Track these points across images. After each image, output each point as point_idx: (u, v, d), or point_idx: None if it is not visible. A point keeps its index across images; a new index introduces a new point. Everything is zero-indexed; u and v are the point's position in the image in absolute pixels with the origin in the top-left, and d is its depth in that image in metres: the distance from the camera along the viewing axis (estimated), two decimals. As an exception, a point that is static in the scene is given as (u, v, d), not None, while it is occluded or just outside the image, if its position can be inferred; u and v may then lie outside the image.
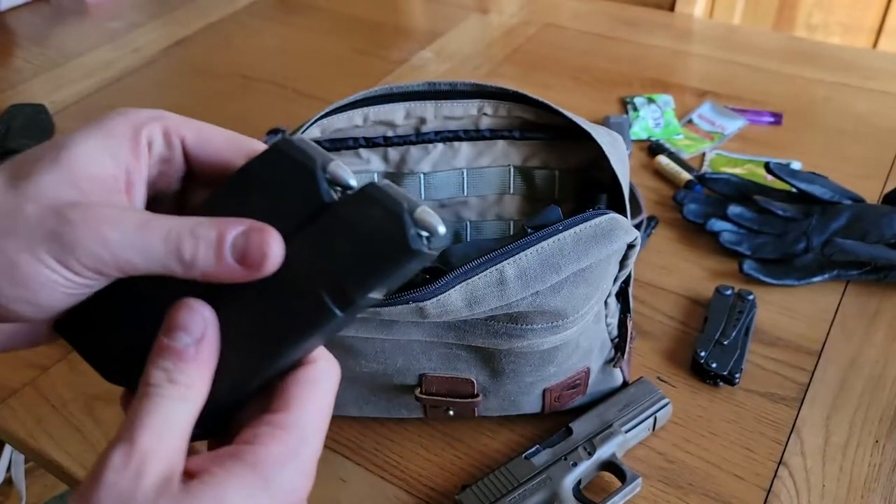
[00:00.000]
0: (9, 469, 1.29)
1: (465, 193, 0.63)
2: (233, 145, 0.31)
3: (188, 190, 0.33)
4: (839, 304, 0.70)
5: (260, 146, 0.31)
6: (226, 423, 0.30)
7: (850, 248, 0.70)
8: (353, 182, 0.29)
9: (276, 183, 0.29)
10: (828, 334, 0.67)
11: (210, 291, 0.28)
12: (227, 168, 0.31)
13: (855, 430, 0.59)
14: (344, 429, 0.61)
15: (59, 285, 0.27)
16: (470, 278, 0.46)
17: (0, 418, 0.64)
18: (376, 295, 0.28)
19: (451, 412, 0.57)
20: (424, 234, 0.27)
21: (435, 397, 0.55)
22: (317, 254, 0.28)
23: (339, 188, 0.29)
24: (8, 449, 1.28)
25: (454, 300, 0.46)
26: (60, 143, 0.29)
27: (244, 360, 0.29)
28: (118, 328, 0.30)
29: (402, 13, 1.28)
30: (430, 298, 0.46)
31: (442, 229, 0.27)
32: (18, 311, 0.28)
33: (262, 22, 1.25)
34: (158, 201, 0.32)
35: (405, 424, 0.61)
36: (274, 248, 0.28)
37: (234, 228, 0.28)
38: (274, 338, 0.28)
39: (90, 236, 0.27)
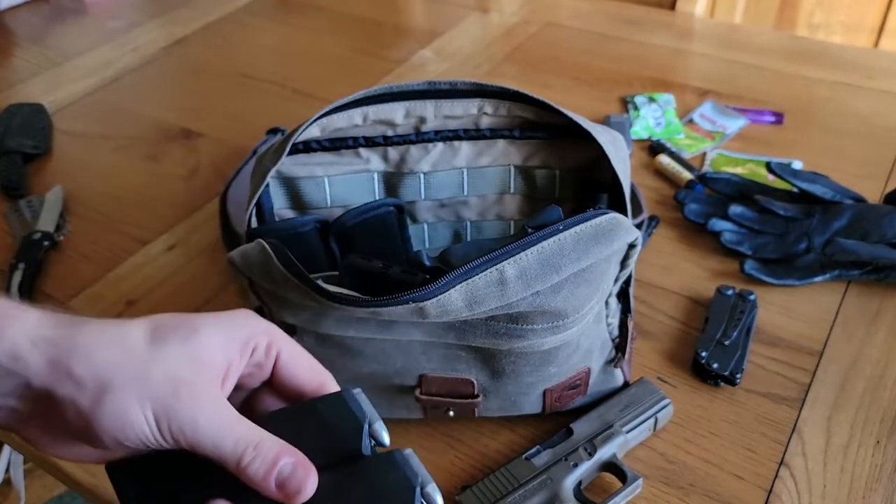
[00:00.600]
0: (8, 469, 1.29)
1: (466, 193, 0.63)
2: (313, 375, 0.38)
3: (261, 391, 0.39)
4: (840, 305, 0.70)
5: (332, 385, 0.38)
6: None
7: (851, 248, 0.70)
8: (387, 441, 0.36)
9: (331, 424, 0.36)
10: (829, 334, 0.67)
11: (242, 490, 0.34)
12: (300, 390, 0.38)
13: (856, 430, 0.59)
14: (343, 429, 0.61)
15: (142, 438, 0.33)
16: (470, 278, 0.46)
17: None
18: None
19: (452, 413, 0.56)
20: None
21: (435, 398, 0.55)
22: (340, 495, 0.34)
23: (374, 441, 0.36)
24: (7, 449, 1.28)
25: (454, 300, 0.46)
26: (195, 324, 0.35)
27: None
28: (158, 487, 0.35)
29: (402, 12, 1.28)
30: (430, 298, 0.45)
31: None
32: (100, 438, 0.33)
33: (261, 21, 1.25)
34: (236, 391, 0.38)
35: (405, 425, 0.61)
36: (309, 487, 0.34)
37: (287, 457, 0.34)
38: None
39: (187, 415, 0.32)
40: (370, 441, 0.36)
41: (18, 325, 0.32)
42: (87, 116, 1.03)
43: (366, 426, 0.36)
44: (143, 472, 0.36)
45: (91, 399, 0.32)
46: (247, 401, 0.39)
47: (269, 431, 0.34)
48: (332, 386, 0.38)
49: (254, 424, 0.34)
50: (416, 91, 0.58)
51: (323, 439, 0.35)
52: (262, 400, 0.39)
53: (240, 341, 0.35)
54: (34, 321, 0.33)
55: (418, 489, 0.34)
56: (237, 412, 0.34)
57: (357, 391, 0.36)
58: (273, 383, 0.38)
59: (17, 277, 0.75)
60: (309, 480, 0.34)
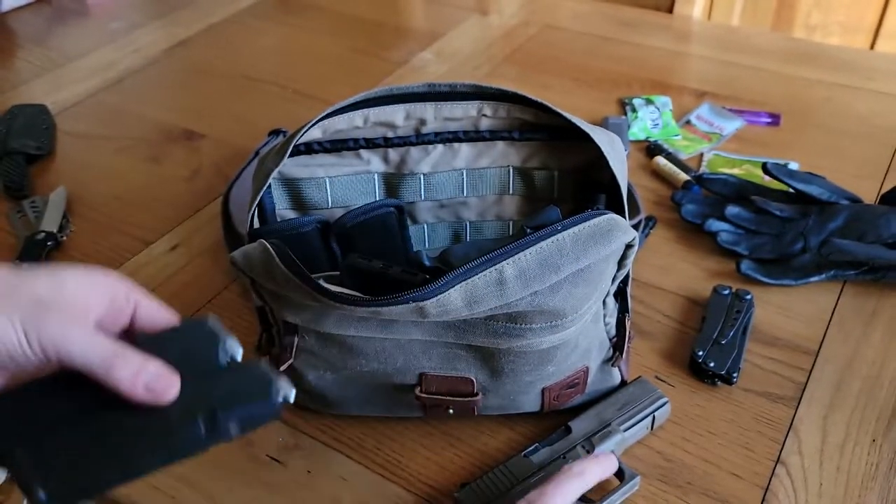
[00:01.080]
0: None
1: (465, 194, 0.64)
2: (169, 322, 0.42)
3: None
4: (836, 304, 0.70)
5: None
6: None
7: (847, 248, 0.70)
8: (239, 356, 0.41)
9: (190, 343, 0.41)
10: (825, 334, 0.67)
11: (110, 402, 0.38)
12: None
13: (852, 429, 0.60)
14: (345, 428, 0.61)
15: (11, 351, 0.36)
16: (469, 278, 0.47)
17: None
18: (234, 429, 0.39)
19: (451, 411, 0.57)
20: (282, 396, 0.39)
21: (435, 396, 0.56)
22: (203, 393, 0.39)
23: (230, 358, 0.41)
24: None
25: (454, 300, 0.47)
26: (58, 268, 0.39)
27: (119, 459, 0.38)
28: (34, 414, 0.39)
29: (402, 14, 1.28)
30: (429, 298, 0.46)
31: (292, 397, 0.39)
32: None
33: (262, 23, 1.26)
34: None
35: (405, 423, 0.61)
36: (175, 388, 0.38)
37: (151, 365, 0.38)
38: (151, 446, 0.38)
39: (56, 329, 0.36)
40: (224, 357, 0.41)
41: None
42: (90, 117, 1.03)
43: (221, 342, 0.41)
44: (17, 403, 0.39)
45: None
46: None
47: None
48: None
49: (117, 341, 0.38)
50: (417, 93, 0.59)
51: (184, 354, 0.40)
52: None
53: (101, 286, 0.40)
54: None
55: (274, 378, 0.39)
56: (95, 328, 0.39)
57: (213, 317, 0.42)
58: (132, 330, 0.42)
59: (21, 277, 0.75)
60: (174, 382, 0.38)
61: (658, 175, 0.87)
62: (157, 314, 0.42)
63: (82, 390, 0.38)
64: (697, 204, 0.79)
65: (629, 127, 0.94)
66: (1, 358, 0.36)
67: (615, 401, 0.59)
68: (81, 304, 0.39)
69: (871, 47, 1.56)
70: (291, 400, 0.39)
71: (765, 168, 0.79)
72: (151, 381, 0.38)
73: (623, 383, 0.61)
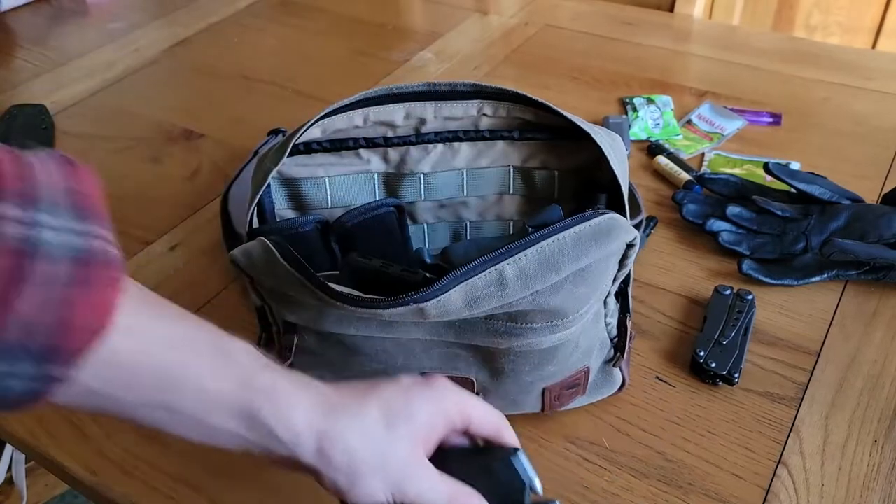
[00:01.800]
0: (10, 468, 1.29)
1: (465, 194, 0.63)
2: (491, 425, 0.45)
3: None
4: (838, 304, 0.70)
5: (507, 432, 0.45)
6: None
7: (848, 248, 0.70)
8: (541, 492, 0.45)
9: (500, 481, 0.44)
10: (826, 334, 0.67)
11: None
12: (479, 434, 0.45)
13: (854, 429, 0.60)
14: (344, 428, 0.61)
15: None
16: (469, 278, 0.46)
17: (1, 417, 0.64)
18: None
19: (451, 411, 0.57)
20: None
21: (435, 397, 0.55)
22: None
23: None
24: (9, 448, 1.29)
25: (454, 300, 0.46)
26: (412, 409, 0.42)
27: None
28: None
29: (402, 14, 1.28)
30: (430, 299, 0.46)
31: None
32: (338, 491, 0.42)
33: (262, 23, 1.26)
34: None
35: (405, 424, 0.61)
36: None
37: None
38: None
39: (412, 488, 0.41)
40: (530, 500, 0.44)
41: (300, 412, 0.40)
42: (89, 117, 1.03)
43: (528, 489, 0.44)
44: None
45: (346, 481, 0.41)
46: None
47: (451, 472, 0.43)
48: (507, 432, 0.45)
49: (452, 480, 0.43)
50: (416, 92, 0.58)
51: (495, 492, 0.44)
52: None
53: (443, 416, 0.43)
54: (308, 406, 0.40)
55: None
56: (439, 472, 0.43)
57: (521, 453, 0.45)
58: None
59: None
60: None
61: (659, 175, 0.87)
62: (486, 424, 0.45)
63: None
64: (699, 204, 0.79)
65: (630, 126, 0.94)
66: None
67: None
68: (427, 441, 0.43)
69: (872, 47, 1.56)
70: None
71: (766, 168, 0.78)
72: None
73: (622, 385, 0.60)
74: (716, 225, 0.76)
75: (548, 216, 0.52)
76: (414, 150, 0.61)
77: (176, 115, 1.02)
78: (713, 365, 0.62)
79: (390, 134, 0.61)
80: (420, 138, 0.61)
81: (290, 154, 0.58)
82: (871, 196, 0.80)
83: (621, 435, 0.60)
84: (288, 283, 0.49)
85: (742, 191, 0.79)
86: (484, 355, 0.53)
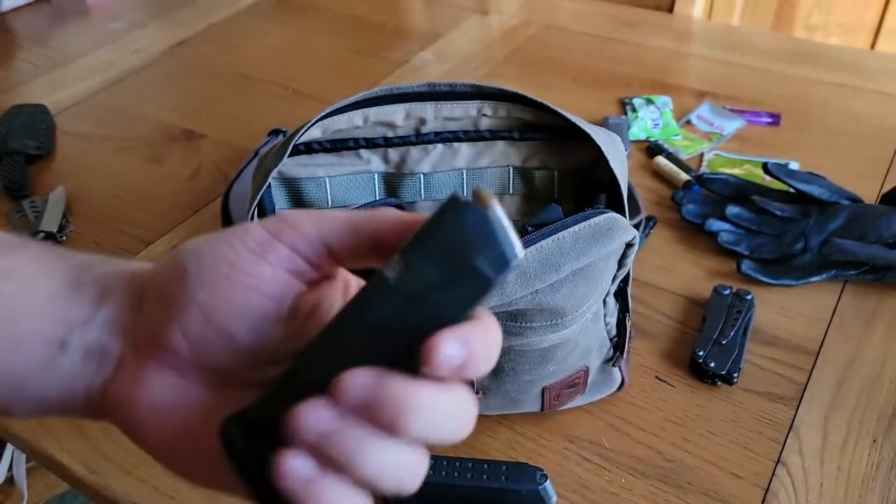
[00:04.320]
0: (10, 468, 1.29)
1: (465, 193, 0.64)
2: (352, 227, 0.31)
3: None
4: (837, 304, 0.70)
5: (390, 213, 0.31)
6: None
7: (847, 248, 0.70)
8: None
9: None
10: (826, 334, 0.67)
11: None
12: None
13: (853, 429, 0.60)
14: (344, 428, 0.61)
15: (267, 273, 0.29)
16: (469, 278, 0.46)
17: (1, 417, 0.64)
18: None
19: (451, 411, 0.57)
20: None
21: (435, 396, 0.55)
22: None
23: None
24: (9, 448, 1.29)
25: (454, 300, 0.46)
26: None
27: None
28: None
29: (402, 14, 1.28)
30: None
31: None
32: (228, 329, 0.29)
33: (262, 23, 1.26)
34: None
35: (405, 423, 0.61)
36: None
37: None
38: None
39: (295, 224, 0.30)
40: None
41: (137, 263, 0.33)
42: (90, 117, 1.03)
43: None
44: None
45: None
46: None
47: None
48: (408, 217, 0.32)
49: None
50: (416, 93, 0.59)
51: None
52: None
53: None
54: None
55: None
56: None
57: (548, 483, 0.46)
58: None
59: (20, 277, 0.75)
60: None
61: (658, 175, 0.87)
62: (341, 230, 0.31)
63: None
64: (698, 204, 0.79)
65: (629, 127, 0.94)
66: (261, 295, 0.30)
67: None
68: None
69: (872, 47, 1.56)
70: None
71: (765, 168, 0.79)
72: None
73: (622, 384, 0.61)
74: (715, 225, 0.76)
75: (547, 216, 0.52)
76: (414, 151, 0.62)
77: (176, 115, 1.02)
78: (712, 365, 0.62)
79: (390, 134, 0.61)
80: (420, 138, 0.61)
81: (291, 154, 0.58)
82: (870, 196, 0.80)
83: (620, 434, 0.60)
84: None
85: (741, 191, 0.79)
86: (484, 355, 0.53)
